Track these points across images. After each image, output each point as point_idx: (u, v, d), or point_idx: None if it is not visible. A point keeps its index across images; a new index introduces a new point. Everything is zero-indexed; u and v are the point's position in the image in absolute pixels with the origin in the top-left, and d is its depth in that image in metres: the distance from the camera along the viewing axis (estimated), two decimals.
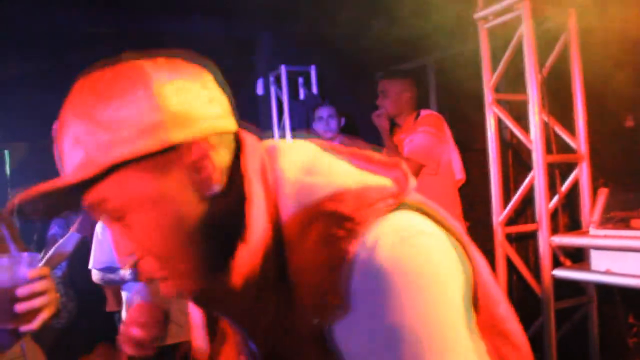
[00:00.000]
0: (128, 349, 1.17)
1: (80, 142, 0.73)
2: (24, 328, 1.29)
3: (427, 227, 0.72)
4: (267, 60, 5.50)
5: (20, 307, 1.24)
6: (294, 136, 5.15)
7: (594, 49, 3.12)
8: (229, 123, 0.81)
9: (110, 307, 4.14)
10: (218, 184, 0.75)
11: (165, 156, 0.73)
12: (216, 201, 0.76)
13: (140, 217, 0.74)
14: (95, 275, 3.22)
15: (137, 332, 1.16)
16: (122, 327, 1.16)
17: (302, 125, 5.01)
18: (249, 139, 0.82)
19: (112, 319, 4.04)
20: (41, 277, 1.28)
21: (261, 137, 0.88)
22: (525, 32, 2.99)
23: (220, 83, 0.84)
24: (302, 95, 5.37)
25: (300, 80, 5.33)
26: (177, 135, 0.73)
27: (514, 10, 3.09)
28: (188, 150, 0.74)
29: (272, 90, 5.45)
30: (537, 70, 3.01)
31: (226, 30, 5.37)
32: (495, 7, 3.17)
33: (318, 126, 4.40)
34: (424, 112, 3.72)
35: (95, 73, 0.78)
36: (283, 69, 5.21)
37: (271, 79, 5.40)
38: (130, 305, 3.16)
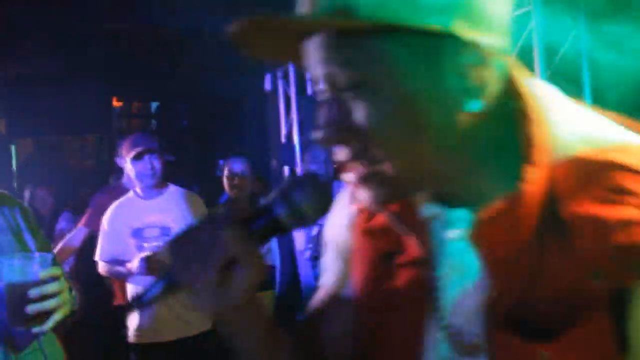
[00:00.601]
0: None
1: None
2: (36, 330, 1.30)
3: None
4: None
5: (31, 309, 1.25)
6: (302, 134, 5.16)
7: (602, 46, 3.12)
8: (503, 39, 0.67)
9: (118, 300, 4.15)
10: (477, 100, 0.64)
11: (439, 43, 0.62)
12: (469, 121, 0.65)
13: (383, 93, 0.63)
14: (102, 267, 3.24)
15: None
16: None
17: (311, 121, 5.03)
18: (525, 77, 0.69)
19: (120, 313, 4.04)
20: (53, 279, 1.29)
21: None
22: (535, 28, 3.00)
23: None
24: (310, 91, 5.37)
25: (309, 75, 5.33)
26: (461, 29, 0.62)
27: (524, 7, 3.09)
28: (463, 49, 0.63)
29: (280, 85, 5.45)
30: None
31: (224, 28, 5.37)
32: None
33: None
34: None
35: None
36: (291, 65, 5.20)
37: (279, 74, 5.40)
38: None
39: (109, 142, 7.63)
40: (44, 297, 1.27)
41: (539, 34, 3.01)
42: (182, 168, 6.81)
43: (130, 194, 3.32)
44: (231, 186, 3.81)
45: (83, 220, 4.14)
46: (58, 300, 1.30)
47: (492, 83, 0.65)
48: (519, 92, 0.67)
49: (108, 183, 5.35)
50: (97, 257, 3.26)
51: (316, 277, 3.27)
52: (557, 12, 3.10)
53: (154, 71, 6.01)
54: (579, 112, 0.69)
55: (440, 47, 0.62)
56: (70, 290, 1.45)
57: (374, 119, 0.63)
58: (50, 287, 1.28)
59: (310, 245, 3.12)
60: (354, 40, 0.62)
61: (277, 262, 3.71)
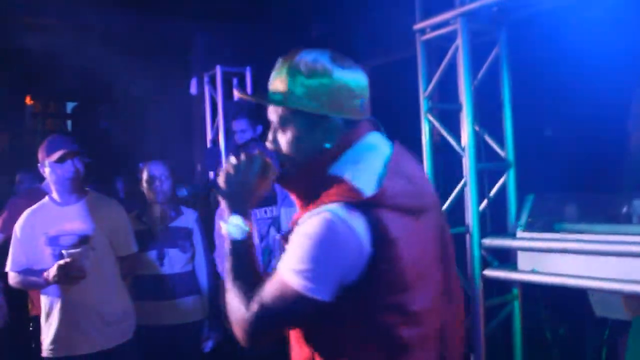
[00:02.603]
0: None
1: (286, 85, 1.42)
2: None
3: (335, 225, 1.30)
4: (202, 59, 5.47)
5: None
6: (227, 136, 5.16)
7: (521, 63, 3.36)
8: (358, 116, 1.44)
9: (35, 310, 3.98)
10: (329, 144, 1.43)
11: (317, 117, 1.42)
12: (325, 149, 1.44)
13: (291, 133, 1.45)
14: (13, 278, 3.07)
15: None
16: None
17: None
18: (357, 133, 1.46)
19: (37, 323, 3.89)
20: None
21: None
22: (461, 46, 3.16)
23: (364, 88, 1.46)
24: (236, 97, 5.37)
25: (235, 81, 5.34)
26: (327, 111, 1.41)
27: (450, 25, 3.25)
28: (328, 120, 1.42)
29: (207, 90, 5.42)
30: (467, 82, 3.18)
31: (162, 28, 5.29)
32: (433, 21, 3.32)
33: (235, 136, 4.45)
34: None
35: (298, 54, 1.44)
36: (218, 69, 5.20)
37: (206, 79, 5.37)
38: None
39: (20, 141, 7.29)
40: None
41: (464, 50, 3.18)
42: (98, 171, 6.59)
43: (46, 199, 3.15)
44: (150, 190, 3.73)
45: None
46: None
47: (336, 137, 1.43)
48: (345, 142, 1.43)
49: (15, 183, 5.11)
50: (8, 268, 3.07)
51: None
52: (481, 30, 3.29)
53: (73, 70, 5.78)
54: (367, 158, 1.42)
55: (317, 118, 1.41)
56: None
57: (284, 140, 1.47)
58: None
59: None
60: (285, 112, 1.45)
61: (204, 266, 3.70)
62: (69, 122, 8.54)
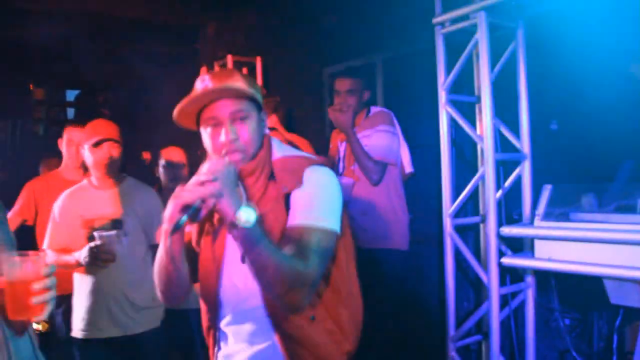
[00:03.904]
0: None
1: (250, 86, 1.76)
2: (37, 318, 1.48)
3: (329, 172, 1.79)
4: (212, 49, 5.48)
5: (36, 300, 1.43)
6: None
7: (536, 56, 3.43)
8: None
9: (59, 291, 3.99)
10: (265, 132, 1.84)
11: (262, 112, 1.81)
12: (265, 137, 1.84)
13: (249, 125, 1.74)
14: (50, 256, 3.13)
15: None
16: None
17: None
18: None
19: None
20: (49, 274, 1.47)
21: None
22: (481, 40, 3.22)
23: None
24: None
25: (246, 70, 5.36)
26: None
27: (470, 19, 3.31)
28: (265, 115, 1.85)
29: None
30: (487, 75, 3.25)
31: (172, 17, 5.29)
32: (453, 14, 3.38)
33: None
34: (374, 109, 3.89)
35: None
36: (230, 59, 5.22)
37: (216, 68, 5.38)
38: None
39: (23, 128, 7.25)
40: (45, 289, 1.45)
41: (484, 44, 3.24)
42: None
43: (84, 182, 3.24)
44: (169, 176, 3.79)
45: (15, 208, 3.96)
46: (52, 293, 1.49)
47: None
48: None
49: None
50: (44, 245, 3.16)
51: None
52: (499, 25, 3.34)
53: (79, 58, 5.78)
54: (282, 146, 1.88)
55: (261, 113, 1.82)
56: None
57: (247, 130, 1.74)
58: (48, 282, 1.46)
59: None
60: (245, 102, 1.75)
61: None
62: (72, 110, 8.48)
